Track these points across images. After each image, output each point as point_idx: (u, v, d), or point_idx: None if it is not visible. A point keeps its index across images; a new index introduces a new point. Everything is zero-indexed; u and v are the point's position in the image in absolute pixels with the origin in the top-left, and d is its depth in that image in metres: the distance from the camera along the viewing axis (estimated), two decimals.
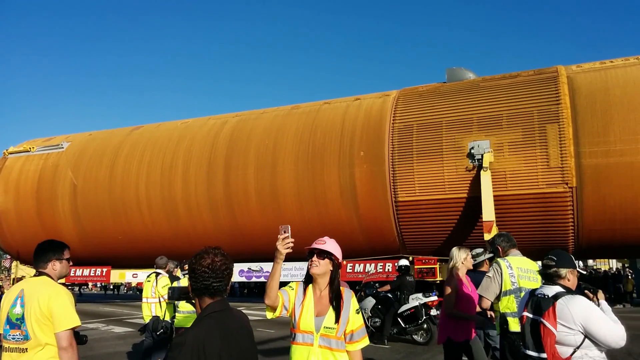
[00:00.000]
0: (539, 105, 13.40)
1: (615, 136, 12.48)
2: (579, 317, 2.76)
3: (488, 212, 12.86)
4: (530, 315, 2.98)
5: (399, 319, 10.26)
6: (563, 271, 3.02)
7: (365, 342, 3.07)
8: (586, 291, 3.10)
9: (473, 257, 6.17)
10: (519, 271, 4.64)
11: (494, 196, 13.17)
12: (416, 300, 10.27)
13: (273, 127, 16.97)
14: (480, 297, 4.89)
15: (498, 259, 4.93)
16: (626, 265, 33.06)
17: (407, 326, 10.19)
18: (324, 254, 2.98)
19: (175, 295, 2.79)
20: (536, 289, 3.14)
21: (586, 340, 2.77)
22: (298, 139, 16.19)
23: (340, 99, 17.19)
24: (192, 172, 17.35)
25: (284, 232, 2.83)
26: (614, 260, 34.07)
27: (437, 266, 15.33)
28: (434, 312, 10.13)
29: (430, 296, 10.38)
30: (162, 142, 18.62)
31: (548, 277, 3.07)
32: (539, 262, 4.23)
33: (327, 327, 2.84)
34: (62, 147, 20.77)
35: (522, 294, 4.46)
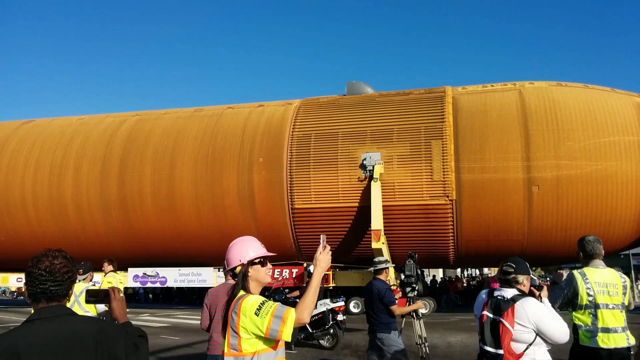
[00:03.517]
0: (426, 122, 14.32)
1: (490, 154, 13.62)
2: (533, 316, 3.09)
3: (377, 221, 13.50)
4: (491, 315, 3.25)
5: (306, 325, 10.33)
6: (521, 277, 3.31)
7: None
8: (532, 288, 3.45)
9: (375, 264, 5.99)
10: (597, 286, 4.14)
11: (383, 206, 13.86)
12: (324, 305, 10.35)
13: (174, 128, 16.63)
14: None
15: (573, 271, 4.30)
16: None
17: (314, 331, 10.23)
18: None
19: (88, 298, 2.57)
20: (494, 290, 3.38)
21: (537, 337, 3.10)
22: (198, 142, 16.00)
23: (243, 105, 17.24)
24: (85, 171, 16.54)
25: (324, 240, 2.52)
26: None
27: (331, 273, 15.78)
28: (340, 317, 10.33)
29: (337, 302, 10.55)
30: (54, 138, 17.58)
31: (507, 282, 3.33)
32: (621, 273, 4.26)
33: None
34: None
35: (600, 311, 4.07)
